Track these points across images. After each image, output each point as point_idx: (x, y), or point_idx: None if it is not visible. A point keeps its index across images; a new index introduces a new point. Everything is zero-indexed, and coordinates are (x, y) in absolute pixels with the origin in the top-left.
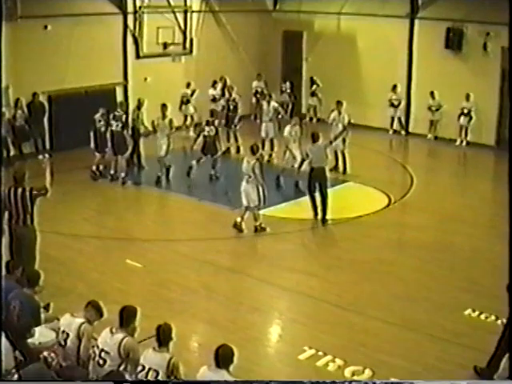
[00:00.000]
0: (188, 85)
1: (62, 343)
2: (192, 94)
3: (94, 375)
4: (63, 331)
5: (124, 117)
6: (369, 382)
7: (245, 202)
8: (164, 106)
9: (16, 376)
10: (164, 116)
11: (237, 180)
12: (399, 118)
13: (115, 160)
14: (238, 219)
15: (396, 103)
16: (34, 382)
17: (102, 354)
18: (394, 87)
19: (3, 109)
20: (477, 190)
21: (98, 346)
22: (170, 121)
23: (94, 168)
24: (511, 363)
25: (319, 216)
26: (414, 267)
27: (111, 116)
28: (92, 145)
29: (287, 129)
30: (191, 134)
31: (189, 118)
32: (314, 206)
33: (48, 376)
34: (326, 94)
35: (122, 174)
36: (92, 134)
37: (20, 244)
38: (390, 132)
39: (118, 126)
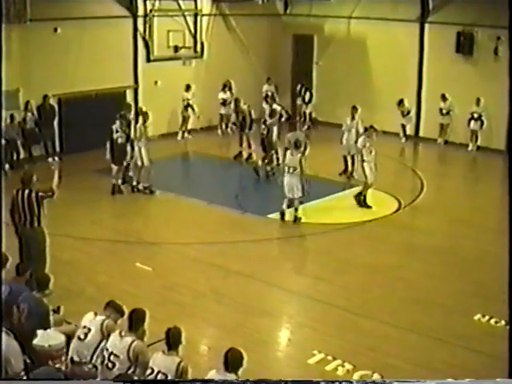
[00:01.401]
0: (188, 88)
1: (82, 337)
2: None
3: (103, 378)
4: (84, 326)
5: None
6: (368, 381)
7: (289, 195)
8: (145, 114)
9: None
10: (145, 123)
11: (247, 184)
12: (402, 125)
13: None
14: (284, 206)
15: (405, 113)
16: (35, 382)
17: (111, 358)
18: (401, 102)
19: (14, 112)
20: (486, 194)
21: (107, 349)
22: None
23: (114, 181)
24: (511, 363)
25: None
26: (423, 271)
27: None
28: (108, 156)
29: (361, 140)
30: (189, 137)
31: (187, 122)
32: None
33: (57, 378)
34: (336, 98)
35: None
36: (108, 144)
37: (28, 246)
38: (403, 140)
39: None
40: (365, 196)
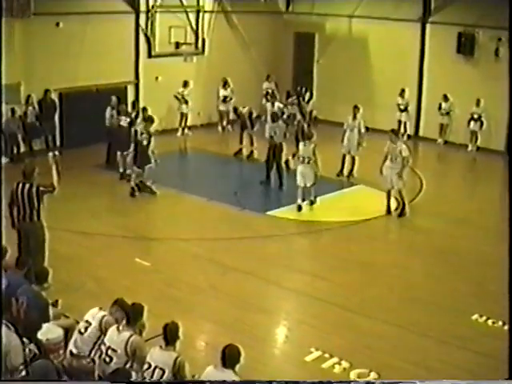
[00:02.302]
0: (185, 84)
1: (82, 331)
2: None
3: (101, 372)
4: (86, 320)
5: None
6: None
7: (301, 183)
8: (144, 110)
9: (24, 372)
10: (144, 120)
11: (246, 181)
12: (405, 123)
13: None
14: (299, 200)
15: (403, 107)
16: (35, 382)
17: (109, 352)
18: (402, 91)
19: (15, 106)
20: (486, 194)
21: (104, 344)
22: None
23: (132, 184)
24: (511, 363)
25: None
26: (421, 270)
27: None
28: (130, 160)
29: (404, 147)
30: (189, 133)
31: (184, 118)
32: None
33: (53, 371)
34: (337, 96)
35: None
36: (133, 147)
37: (27, 240)
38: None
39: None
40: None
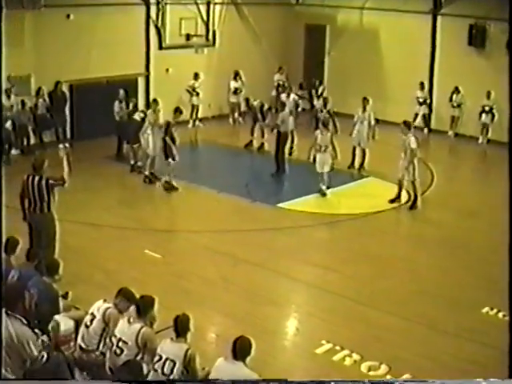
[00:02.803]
0: (196, 76)
1: (88, 324)
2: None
3: (111, 364)
4: (91, 313)
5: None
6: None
7: (319, 169)
8: (155, 102)
9: (44, 359)
10: (154, 112)
11: (257, 173)
12: (423, 116)
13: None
14: (323, 186)
15: (421, 100)
16: (35, 382)
17: (120, 344)
18: (422, 84)
19: (25, 98)
20: (496, 188)
21: (115, 336)
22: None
23: (147, 173)
24: (511, 362)
25: None
26: (431, 264)
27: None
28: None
29: (412, 139)
30: (200, 125)
31: (195, 110)
32: None
33: (64, 363)
34: (348, 89)
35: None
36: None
37: (38, 232)
38: (425, 131)
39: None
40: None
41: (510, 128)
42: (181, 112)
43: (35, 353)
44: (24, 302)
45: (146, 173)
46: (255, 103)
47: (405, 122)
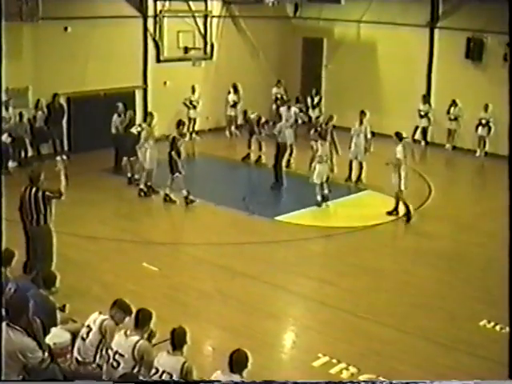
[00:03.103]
0: (193, 90)
1: (84, 336)
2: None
3: (108, 378)
4: (87, 325)
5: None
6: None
7: (317, 181)
8: (150, 115)
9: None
10: (150, 125)
11: (254, 186)
12: (423, 128)
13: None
14: (318, 197)
15: (423, 114)
16: (35, 382)
17: (116, 357)
18: (424, 97)
19: (22, 110)
20: (494, 200)
21: (112, 349)
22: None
23: (142, 186)
24: (511, 363)
25: None
26: (429, 276)
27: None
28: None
29: (399, 149)
30: (198, 138)
31: (192, 123)
32: None
33: (60, 377)
34: (345, 102)
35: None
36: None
37: (35, 244)
38: (409, 141)
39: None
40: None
41: (510, 140)
42: (183, 124)
43: (38, 358)
44: (28, 313)
45: (142, 186)
46: (252, 116)
47: (397, 134)
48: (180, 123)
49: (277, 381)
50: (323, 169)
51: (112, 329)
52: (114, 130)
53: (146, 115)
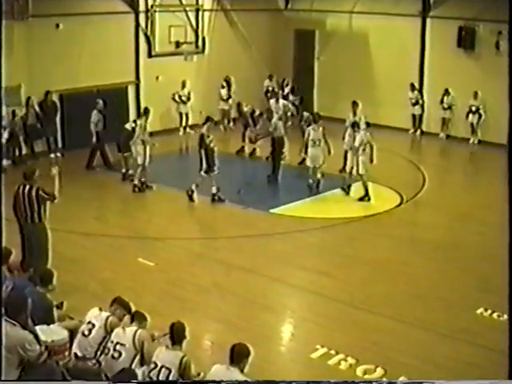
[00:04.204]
0: (183, 84)
1: (86, 333)
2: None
3: (108, 370)
4: (89, 322)
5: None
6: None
7: (311, 164)
8: (147, 110)
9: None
10: (147, 120)
11: (249, 179)
12: (414, 116)
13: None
14: (310, 181)
15: (414, 101)
16: (35, 382)
17: (117, 347)
18: (412, 86)
19: (16, 108)
20: (488, 188)
21: (112, 342)
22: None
23: (136, 182)
24: (511, 363)
25: None
26: (425, 266)
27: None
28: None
29: (358, 137)
30: (191, 132)
31: (184, 118)
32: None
33: (58, 374)
34: (338, 93)
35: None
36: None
37: (30, 242)
38: (411, 130)
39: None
40: (366, 189)
41: (509, 129)
42: (212, 120)
43: (37, 349)
44: (26, 311)
45: (136, 182)
46: (246, 109)
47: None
48: (208, 119)
49: (281, 381)
50: (316, 152)
51: (117, 325)
52: (92, 127)
53: (140, 110)
